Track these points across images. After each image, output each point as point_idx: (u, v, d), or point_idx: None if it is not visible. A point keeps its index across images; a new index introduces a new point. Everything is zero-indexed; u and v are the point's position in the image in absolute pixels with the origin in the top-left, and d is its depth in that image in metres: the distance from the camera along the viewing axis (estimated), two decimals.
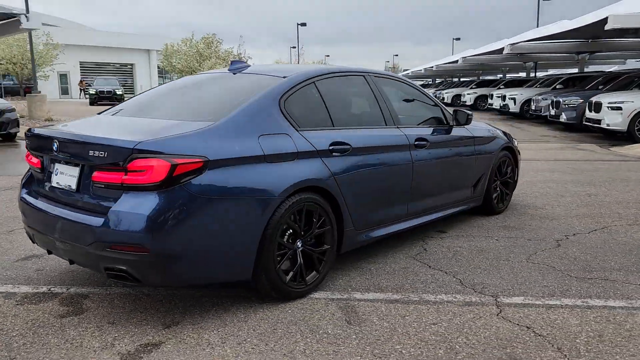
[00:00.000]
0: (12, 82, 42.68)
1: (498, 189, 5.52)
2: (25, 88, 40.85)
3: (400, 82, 4.61)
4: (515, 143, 5.83)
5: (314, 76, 3.71)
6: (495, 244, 4.52)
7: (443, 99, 34.73)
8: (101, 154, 2.80)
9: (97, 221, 2.77)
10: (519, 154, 5.89)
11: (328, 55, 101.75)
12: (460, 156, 4.82)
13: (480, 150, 5.09)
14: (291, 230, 3.25)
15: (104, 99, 33.20)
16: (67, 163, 3.08)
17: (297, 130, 3.35)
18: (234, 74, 3.89)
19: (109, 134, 2.91)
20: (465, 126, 5.00)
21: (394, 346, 2.75)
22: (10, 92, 41.73)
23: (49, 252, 3.30)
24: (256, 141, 3.09)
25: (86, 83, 43.55)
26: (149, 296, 3.38)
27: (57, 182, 3.16)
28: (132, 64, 52.45)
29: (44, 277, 3.73)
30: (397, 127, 4.16)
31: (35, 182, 3.45)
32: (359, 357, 2.63)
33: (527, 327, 2.96)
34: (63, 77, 46.40)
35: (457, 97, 34.24)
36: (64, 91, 47.36)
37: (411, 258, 4.15)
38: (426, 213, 4.50)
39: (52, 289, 3.52)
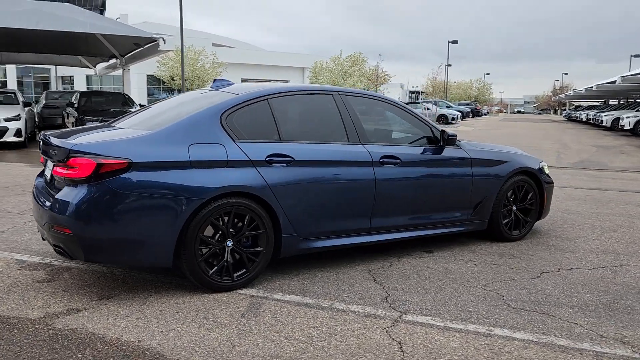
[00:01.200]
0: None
1: (513, 215, 5.29)
2: None
3: (383, 102, 4.74)
4: (541, 168, 5.52)
5: (269, 94, 4.09)
6: (468, 269, 4.43)
7: (602, 121, 31.69)
8: (56, 152, 3.53)
9: (49, 205, 3.49)
10: (547, 181, 5.55)
11: (488, 73, 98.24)
12: (449, 177, 4.79)
13: (480, 173, 4.98)
14: (219, 229, 3.67)
15: None
16: (50, 159, 3.88)
17: (234, 141, 3.77)
18: (211, 91, 4.43)
19: (67, 138, 3.63)
20: (464, 147, 4.94)
21: (255, 339, 3.03)
22: None
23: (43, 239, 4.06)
24: (185, 149, 3.58)
25: None
26: (115, 275, 4.04)
27: (46, 174, 3.98)
28: (287, 81, 56.18)
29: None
30: (362, 144, 4.34)
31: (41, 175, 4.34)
32: (218, 342, 2.97)
33: (398, 342, 3.03)
34: None
35: (617, 120, 30.99)
36: None
37: (366, 271, 4.28)
38: (399, 230, 4.57)
39: (52, 261, 4.36)
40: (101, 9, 17.46)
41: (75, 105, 15.09)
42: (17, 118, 13.26)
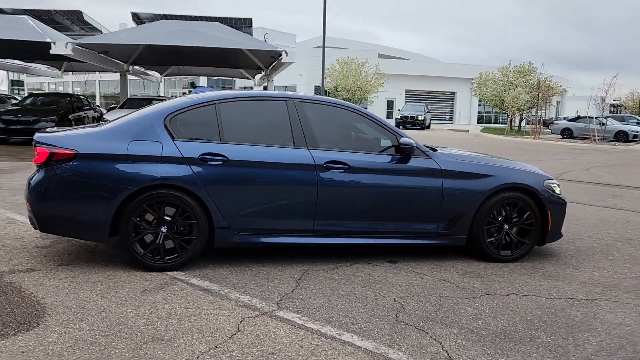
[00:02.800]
0: None
1: (503, 234, 4.94)
2: None
3: (345, 109, 4.81)
4: (547, 186, 5.02)
5: (218, 99, 4.53)
6: (409, 281, 4.33)
7: None
8: (33, 144, 4.41)
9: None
10: (553, 201, 5.02)
11: None
12: (412, 187, 4.69)
13: (454, 186, 4.77)
14: (154, 216, 4.22)
15: (408, 124, 36.23)
16: None
17: (172, 140, 4.29)
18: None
19: (43, 133, 4.47)
20: (436, 157, 4.79)
21: (128, 310, 3.50)
22: None
23: None
24: (126, 144, 4.20)
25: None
26: (89, 248, 4.83)
27: None
28: (453, 92, 54.93)
29: None
30: (307, 149, 4.52)
31: None
32: (97, 307, 3.51)
33: (238, 329, 3.24)
34: (390, 103, 52.02)
35: None
36: (388, 115, 53.06)
37: (301, 271, 4.45)
38: (352, 236, 4.64)
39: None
40: (245, 25, 19.34)
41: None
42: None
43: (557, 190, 5.13)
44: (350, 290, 4.05)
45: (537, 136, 29.28)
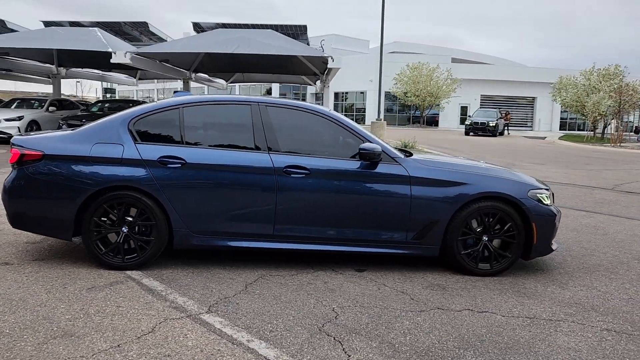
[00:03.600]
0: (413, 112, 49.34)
1: (481, 246, 4.65)
2: (422, 117, 46.83)
3: (313, 113, 4.70)
4: (532, 196, 4.66)
5: (183, 104, 4.61)
6: (363, 290, 4.18)
7: None
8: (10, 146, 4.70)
9: None
10: (540, 212, 4.65)
11: None
12: (377, 194, 4.53)
13: (423, 193, 4.55)
14: (115, 216, 4.38)
15: (478, 130, 34.95)
16: None
17: (134, 143, 4.43)
18: None
19: (21, 135, 4.75)
20: (406, 163, 4.60)
21: (60, 305, 3.64)
22: (414, 121, 48.78)
23: None
24: (89, 146, 4.39)
25: (510, 116, 40.47)
26: (66, 245, 5.08)
27: None
28: (533, 97, 52.40)
29: None
30: (268, 153, 4.50)
31: None
32: (36, 300, 3.69)
33: (152, 330, 3.28)
34: (463, 109, 50.53)
35: None
36: (462, 121, 51.58)
37: (258, 274, 4.43)
38: (314, 242, 4.55)
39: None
40: (301, 32, 19.57)
41: None
42: None
43: (547, 201, 4.75)
44: (294, 297, 3.97)
45: (618, 144, 27.25)
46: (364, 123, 47.17)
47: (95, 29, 17.63)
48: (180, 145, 4.49)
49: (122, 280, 4.18)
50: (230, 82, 27.59)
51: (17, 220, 4.48)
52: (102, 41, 16.08)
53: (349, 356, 3.06)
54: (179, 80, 23.82)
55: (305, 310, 3.71)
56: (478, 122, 35.05)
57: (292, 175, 4.45)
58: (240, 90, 56.97)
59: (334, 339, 3.28)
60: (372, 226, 4.56)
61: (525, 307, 3.97)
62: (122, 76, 27.22)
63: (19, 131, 15.26)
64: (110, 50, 15.16)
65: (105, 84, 68.30)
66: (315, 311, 3.71)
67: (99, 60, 18.17)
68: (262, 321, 3.50)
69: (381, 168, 4.55)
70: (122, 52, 14.94)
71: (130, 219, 4.39)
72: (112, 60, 15.05)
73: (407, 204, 4.54)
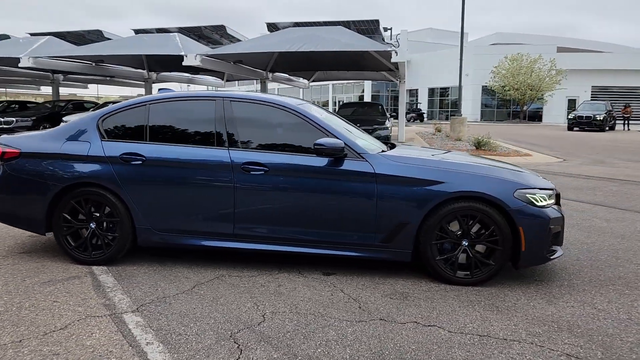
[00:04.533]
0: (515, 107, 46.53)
1: (459, 252, 4.18)
2: (522, 112, 43.99)
3: (278, 107, 4.46)
4: (520, 196, 4.10)
5: (150, 101, 4.61)
6: (313, 295, 3.91)
7: None
8: None
9: None
10: (529, 214, 4.09)
11: None
12: (340, 193, 4.22)
13: (391, 192, 4.17)
14: (82, 212, 4.49)
15: (583, 124, 32.12)
16: None
17: (101, 140, 4.51)
18: None
19: (8, 135, 5.01)
20: (374, 159, 4.24)
21: (3, 296, 3.79)
22: (514, 116, 46.09)
23: None
24: (61, 144, 4.53)
25: (631, 109, 35.72)
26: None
27: None
28: None
29: None
30: (227, 149, 4.36)
31: None
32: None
33: (66, 325, 3.30)
34: (571, 102, 46.82)
35: None
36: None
37: (216, 274, 4.31)
38: (277, 242, 4.35)
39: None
40: (374, 27, 19.11)
41: None
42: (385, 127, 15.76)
43: (541, 202, 4.15)
44: (234, 299, 3.81)
45: None
46: None
47: (175, 34, 18.56)
48: (143, 142, 4.49)
49: (81, 275, 4.26)
50: (312, 81, 27.78)
51: (2, 216, 4.74)
52: (178, 45, 16.86)
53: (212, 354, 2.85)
54: (277, 83, 24.35)
55: (233, 314, 3.53)
56: (583, 116, 32.21)
57: (252, 172, 4.27)
58: (333, 90, 57.32)
59: (238, 347, 3.08)
60: (337, 227, 4.26)
61: (485, 323, 3.48)
62: (210, 78, 28.49)
63: None
64: (182, 53, 15.85)
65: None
66: (243, 316, 3.52)
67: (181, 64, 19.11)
68: (179, 324, 3.37)
69: (346, 165, 4.24)
70: (192, 55, 15.56)
71: (97, 215, 4.47)
72: (183, 63, 15.74)
73: (373, 203, 4.18)
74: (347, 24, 18.39)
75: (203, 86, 30.39)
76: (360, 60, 19.85)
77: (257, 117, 4.54)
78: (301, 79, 27.09)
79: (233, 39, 21.32)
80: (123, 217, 4.41)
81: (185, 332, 3.26)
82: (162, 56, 18.61)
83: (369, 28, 19.40)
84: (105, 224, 4.48)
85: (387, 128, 15.70)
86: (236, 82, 32.82)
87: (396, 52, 14.81)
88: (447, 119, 41.00)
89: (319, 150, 4.15)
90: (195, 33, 20.92)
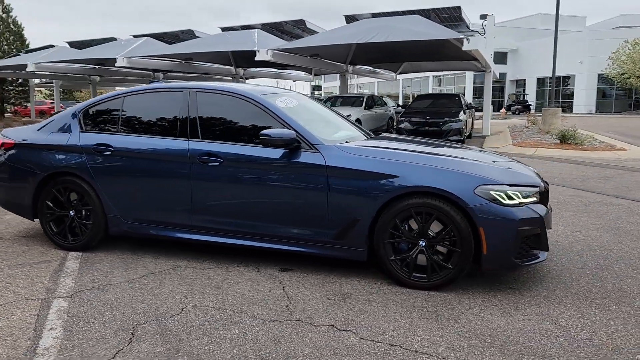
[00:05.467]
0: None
1: (416, 252, 3.84)
2: None
3: (240, 98, 4.32)
4: (482, 193, 3.66)
5: (125, 93, 4.73)
6: (247, 290, 3.79)
7: None
8: None
9: None
10: (499, 215, 3.64)
11: None
12: (291, 186, 4.04)
13: (343, 186, 3.91)
14: (62, 200, 4.74)
15: None
16: None
17: (80, 131, 4.71)
18: None
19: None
20: (326, 151, 4.01)
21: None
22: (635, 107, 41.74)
23: None
24: (47, 135, 4.81)
25: None
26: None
27: None
28: None
29: None
30: (187, 140, 4.35)
31: None
32: None
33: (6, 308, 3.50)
34: None
35: None
36: None
37: (172, 264, 4.33)
38: (232, 236, 4.28)
39: None
40: (456, 14, 18.08)
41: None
42: (458, 120, 15.17)
43: (507, 201, 3.66)
44: (169, 290, 3.80)
45: None
46: (570, 111, 42.00)
47: (255, 30, 19.04)
48: (114, 133, 4.62)
49: (52, 260, 4.49)
50: (399, 73, 27.14)
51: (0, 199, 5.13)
52: (254, 41, 17.29)
53: (113, 356, 2.82)
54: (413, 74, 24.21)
55: (155, 305, 3.52)
56: None
57: (209, 163, 4.23)
58: (433, 82, 55.60)
59: (130, 338, 3.05)
60: (291, 222, 4.09)
61: (409, 332, 3.15)
62: (301, 73, 28.92)
63: None
64: (255, 49, 16.22)
65: (314, 82, 73.00)
66: (163, 307, 3.49)
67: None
68: (97, 311, 3.42)
69: (303, 156, 4.04)
70: (264, 49, 15.86)
71: (75, 203, 4.69)
72: (255, 58, 16.12)
73: (323, 197, 3.95)
74: (426, 13, 17.68)
75: (290, 81, 30.92)
76: (441, 50, 19.04)
77: (219, 107, 4.47)
78: (388, 71, 26.54)
79: (313, 33, 21.41)
80: (96, 206, 4.58)
81: (95, 320, 3.30)
82: (244, 52, 19.19)
83: (451, 15, 18.47)
84: (82, 212, 4.67)
85: (459, 120, 14.91)
86: (322, 76, 32.83)
87: (468, 40, 13.96)
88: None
89: (264, 142, 4.00)
90: (277, 29, 21.29)
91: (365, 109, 17.16)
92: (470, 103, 21.97)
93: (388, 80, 29.24)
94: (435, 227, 3.79)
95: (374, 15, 19.04)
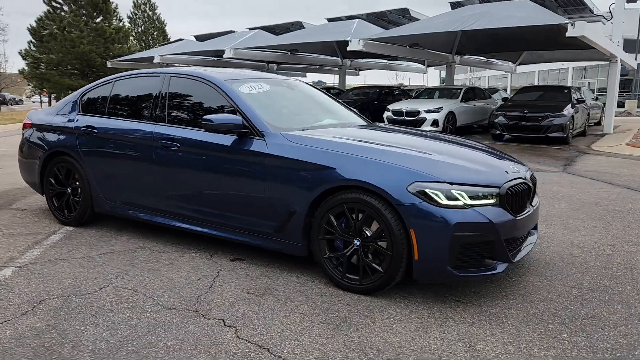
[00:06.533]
0: None
1: (349, 251, 3.51)
2: None
3: (206, 83, 4.23)
4: (417, 190, 3.23)
5: (116, 78, 4.91)
6: (178, 277, 3.75)
7: None
8: None
9: None
10: (431, 217, 3.21)
11: None
12: (237, 174, 3.91)
13: (281, 176, 3.70)
14: (60, 177, 5.09)
15: None
16: None
17: (78, 114, 5.01)
18: None
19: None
20: (272, 139, 3.80)
21: None
22: None
23: None
24: (52, 117, 5.19)
25: None
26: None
27: None
28: None
29: None
30: (155, 124, 4.40)
31: None
32: None
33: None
34: None
35: None
36: None
37: (134, 247, 4.44)
38: (188, 221, 4.27)
39: None
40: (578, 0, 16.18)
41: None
42: (561, 115, 13.46)
43: (445, 201, 3.19)
44: (108, 270, 3.88)
45: None
46: None
47: (355, 20, 18.85)
48: (100, 116, 4.83)
49: (43, 233, 4.83)
50: (519, 64, 25.17)
51: (22, 174, 5.63)
52: (350, 31, 17.13)
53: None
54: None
55: (79, 282, 3.61)
56: None
57: (170, 148, 4.25)
58: (572, 73, 50.81)
59: (25, 312, 3.17)
60: (236, 211, 3.97)
61: (293, 336, 2.89)
62: (412, 64, 28.13)
63: (437, 124, 14.77)
64: (348, 39, 16.06)
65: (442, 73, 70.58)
66: (83, 285, 3.57)
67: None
68: (30, 283, 3.60)
69: (248, 144, 3.89)
70: (356, 39, 15.63)
71: (71, 181, 5.00)
72: (348, 48, 15.93)
73: (262, 187, 3.77)
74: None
75: (402, 72, 30.20)
76: (558, 38, 17.26)
77: (187, 92, 4.46)
78: (504, 62, 24.72)
79: (417, 21, 20.65)
80: (84, 185, 4.84)
81: (17, 290, 3.47)
82: (344, 42, 19.08)
83: (570, 0, 16.69)
84: (78, 191, 4.97)
85: (563, 116, 13.42)
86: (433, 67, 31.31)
87: (572, 25, 12.46)
88: None
89: (206, 127, 3.90)
90: (382, 18, 20.88)
91: (461, 101, 16.15)
92: (594, 97, 19.72)
93: (507, 72, 27.27)
94: (374, 227, 3.42)
95: (482, 1, 17.83)
